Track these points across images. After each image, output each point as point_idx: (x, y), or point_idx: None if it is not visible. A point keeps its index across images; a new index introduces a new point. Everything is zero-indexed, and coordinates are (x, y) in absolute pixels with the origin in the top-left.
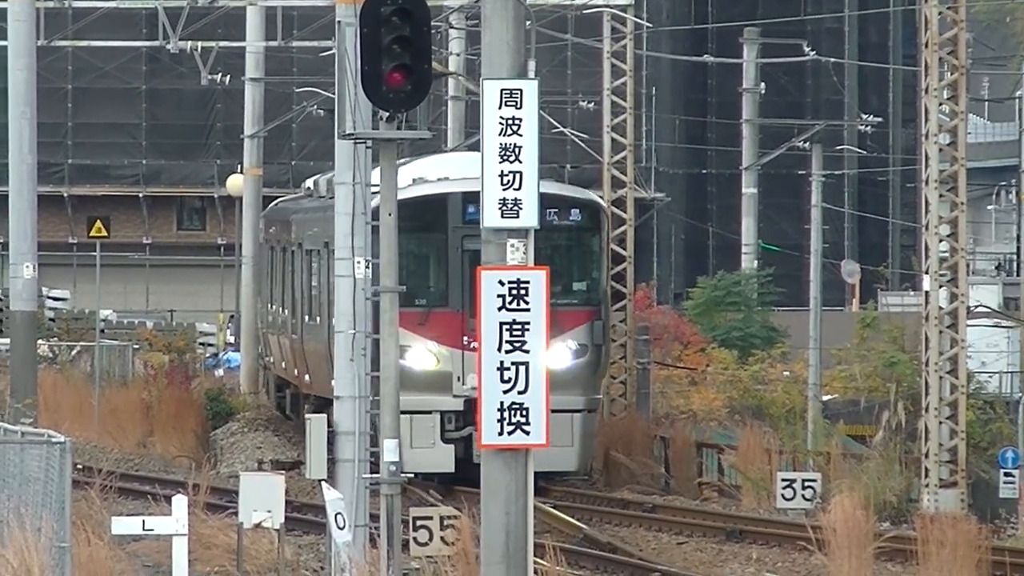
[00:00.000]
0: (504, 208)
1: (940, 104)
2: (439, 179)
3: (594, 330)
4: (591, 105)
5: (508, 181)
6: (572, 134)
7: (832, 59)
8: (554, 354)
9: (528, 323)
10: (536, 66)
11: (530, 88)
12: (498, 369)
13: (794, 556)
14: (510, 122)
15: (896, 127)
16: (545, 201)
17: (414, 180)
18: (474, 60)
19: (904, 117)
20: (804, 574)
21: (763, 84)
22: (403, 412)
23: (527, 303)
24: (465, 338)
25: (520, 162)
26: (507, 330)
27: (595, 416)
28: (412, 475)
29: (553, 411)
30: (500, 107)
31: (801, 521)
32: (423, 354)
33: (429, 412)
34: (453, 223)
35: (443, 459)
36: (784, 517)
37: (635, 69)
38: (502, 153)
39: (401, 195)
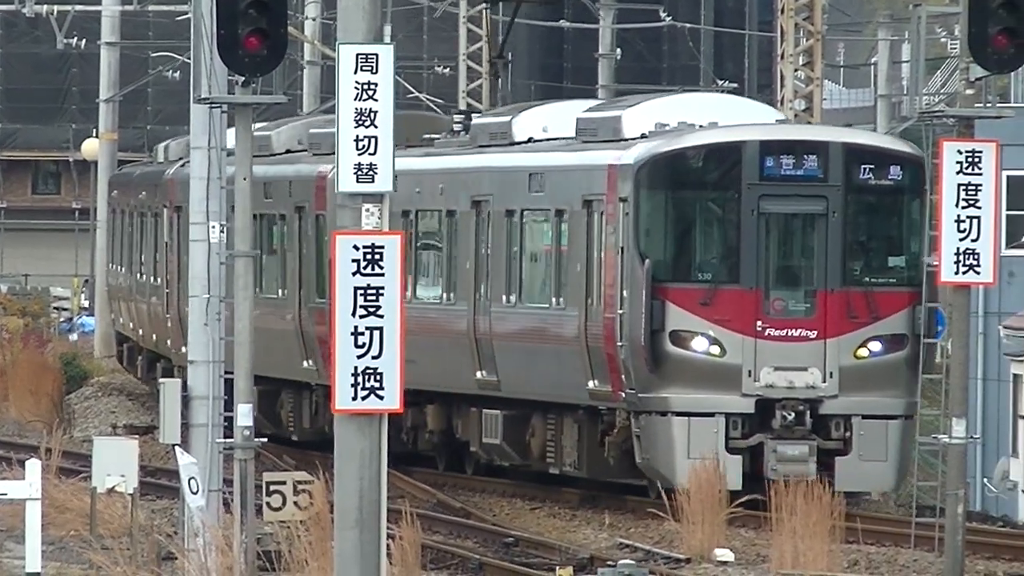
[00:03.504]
0: (359, 173)
1: (796, 70)
2: (711, 124)
3: (915, 316)
4: (447, 70)
5: (363, 146)
6: (428, 99)
7: (688, 25)
8: (866, 346)
9: (382, 288)
10: (392, 31)
11: (386, 53)
12: (352, 334)
13: (647, 522)
14: (366, 87)
15: (752, 93)
16: (858, 154)
17: (659, 125)
18: (330, 25)
19: (760, 83)
20: (657, 540)
21: (619, 50)
22: (678, 413)
23: (382, 268)
24: (759, 323)
25: (376, 127)
26: (361, 295)
27: (914, 424)
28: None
29: (864, 416)
30: (356, 72)
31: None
32: (706, 341)
33: (711, 414)
34: (748, 179)
35: (727, 472)
36: (639, 482)
37: (491, 34)
38: (357, 118)
39: (679, 142)
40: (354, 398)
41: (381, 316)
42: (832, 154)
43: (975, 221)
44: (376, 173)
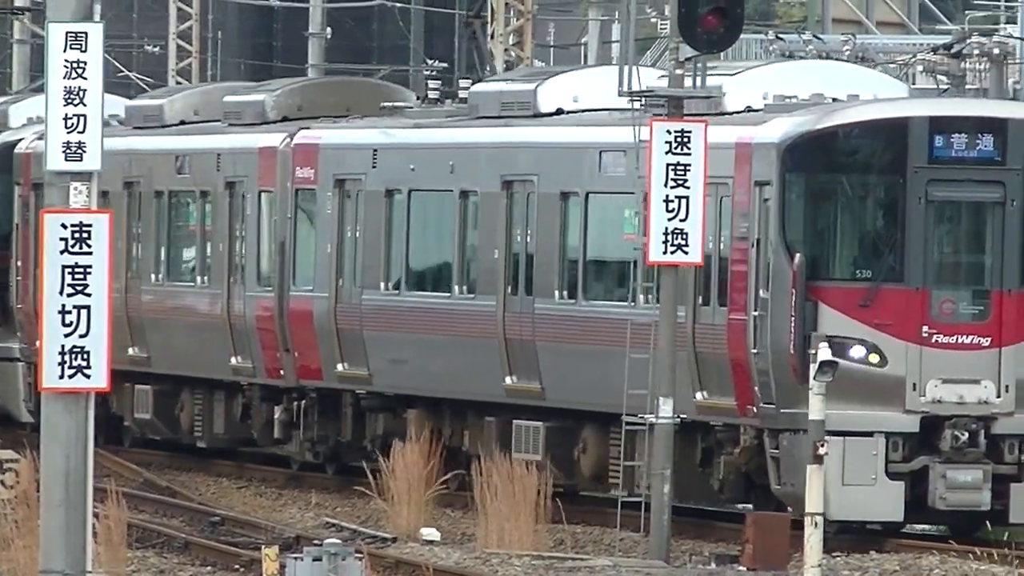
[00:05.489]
0: (68, 151)
1: (506, 49)
2: (850, 97)
3: None
4: (157, 49)
5: (72, 124)
6: (137, 78)
7: (398, 4)
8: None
9: (90, 267)
10: (102, 9)
11: (95, 31)
12: (59, 312)
13: (354, 501)
14: (75, 65)
15: (462, 72)
16: (1008, 130)
17: (777, 97)
18: (40, 2)
19: (470, 63)
20: (364, 519)
21: (330, 29)
22: (831, 433)
23: (90, 246)
24: (926, 328)
25: (85, 105)
26: (69, 273)
27: None
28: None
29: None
30: (65, 50)
31: (360, 466)
32: (864, 349)
33: (869, 434)
34: (915, 161)
35: (887, 501)
36: (352, 463)
37: (201, 13)
38: (66, 96)
39: (833, 118)
40: (61, 376)
41: (89, 295)
42: (1012, 132)
43: (684, 201)
44: (85, 151)
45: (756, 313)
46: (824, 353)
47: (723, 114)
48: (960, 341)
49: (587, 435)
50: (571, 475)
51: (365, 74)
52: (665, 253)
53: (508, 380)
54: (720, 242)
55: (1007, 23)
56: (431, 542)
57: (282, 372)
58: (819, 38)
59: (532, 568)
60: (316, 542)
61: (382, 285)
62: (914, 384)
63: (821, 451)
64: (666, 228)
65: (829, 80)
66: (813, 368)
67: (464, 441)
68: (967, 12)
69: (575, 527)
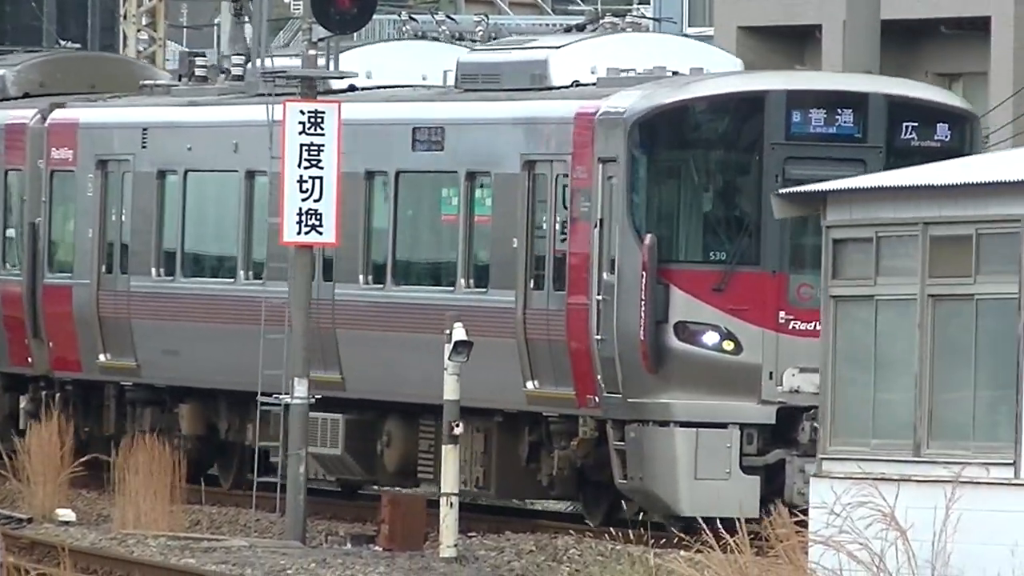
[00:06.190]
0: None
1: (139, 30)
2: (694, 70)
3: None
4: None
5: None
6: None
7: None
8: None
9: None
10: None
11: None
12: None
13: None
14: None
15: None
16: (902, 109)
17: (611, 71)
18: None
19: (103, 43)
20: (0, 499)
21: None
22: (683, 424)
23: None
24: (782, 314)
25: None
26: None
27: None
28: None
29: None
30: None
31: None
32: (717, 336)
33: (723, 425)
34: (772, 137)
35: (741, 496)
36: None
37: None
38: None
39: (685, 91)
40: None
41: None
42: (873, 108)
43: (318, 181)
44: None
45: (600, 297)
46: (459, 333)
47: (547, 88)
48: (819, 328)
49: (391, 428)
50: (373, 470)
51: None
52: (299, 234)
53: (324, 373)
54: (555, 222)
55: (640, 3)
56: (67, 523)
57: (31, 360)
58: (452, 19)
59: (168, 548)
60: None
61: (153, 271)
62: (770, 373)
63: (456, 431)
64: (300, 208)
65: (663, 53)
66: (448, 349)
67: (245, 436)
68: None
69: (212, 508)
